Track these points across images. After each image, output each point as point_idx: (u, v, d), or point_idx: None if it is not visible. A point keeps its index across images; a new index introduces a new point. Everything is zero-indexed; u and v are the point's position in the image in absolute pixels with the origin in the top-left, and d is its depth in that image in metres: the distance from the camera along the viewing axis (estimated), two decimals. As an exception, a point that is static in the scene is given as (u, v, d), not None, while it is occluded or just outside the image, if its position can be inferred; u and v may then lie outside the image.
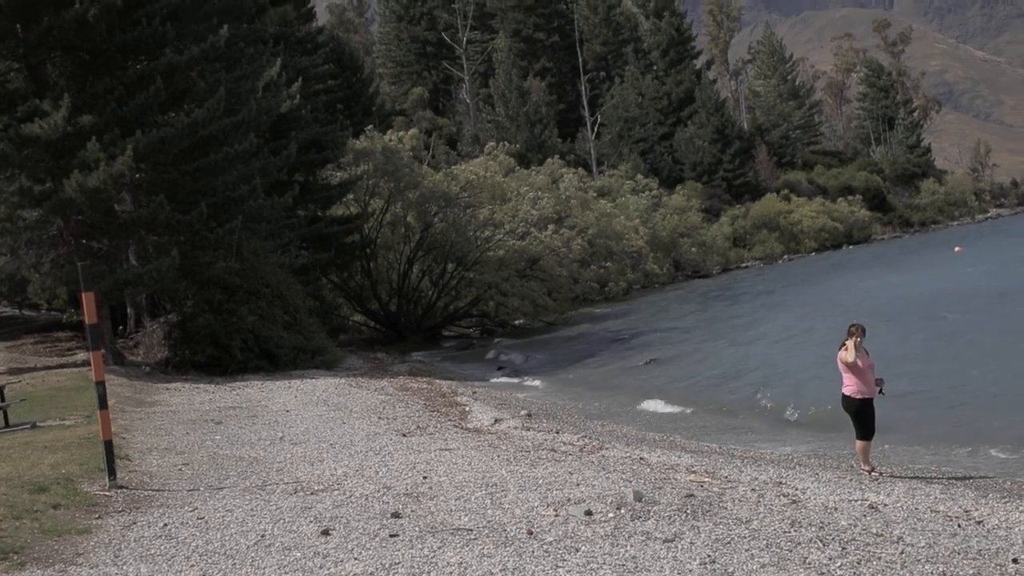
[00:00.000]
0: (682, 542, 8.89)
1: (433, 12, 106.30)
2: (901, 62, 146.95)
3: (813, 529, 9.43)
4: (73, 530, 9.87)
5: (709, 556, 8.41)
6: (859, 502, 11.10)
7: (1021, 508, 10.85)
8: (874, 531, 9.49)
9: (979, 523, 10.06)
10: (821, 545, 8.80)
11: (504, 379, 30.13)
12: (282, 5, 42.57)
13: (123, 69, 27.64)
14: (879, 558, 8.42)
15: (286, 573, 8.31)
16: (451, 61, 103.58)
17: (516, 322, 46.53)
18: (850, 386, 13.79)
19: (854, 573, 7.99)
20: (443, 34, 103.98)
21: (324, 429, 17.43)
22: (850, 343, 13.69)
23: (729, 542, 8.87)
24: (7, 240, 27.92)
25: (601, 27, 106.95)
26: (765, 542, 8.85)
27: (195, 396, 23.01)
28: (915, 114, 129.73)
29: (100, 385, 12.01)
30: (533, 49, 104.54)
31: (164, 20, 27.18)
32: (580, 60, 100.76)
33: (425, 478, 12.26)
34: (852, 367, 13.64)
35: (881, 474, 13.62)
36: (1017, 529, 9.74)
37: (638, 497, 10.60)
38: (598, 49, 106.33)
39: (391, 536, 9.30)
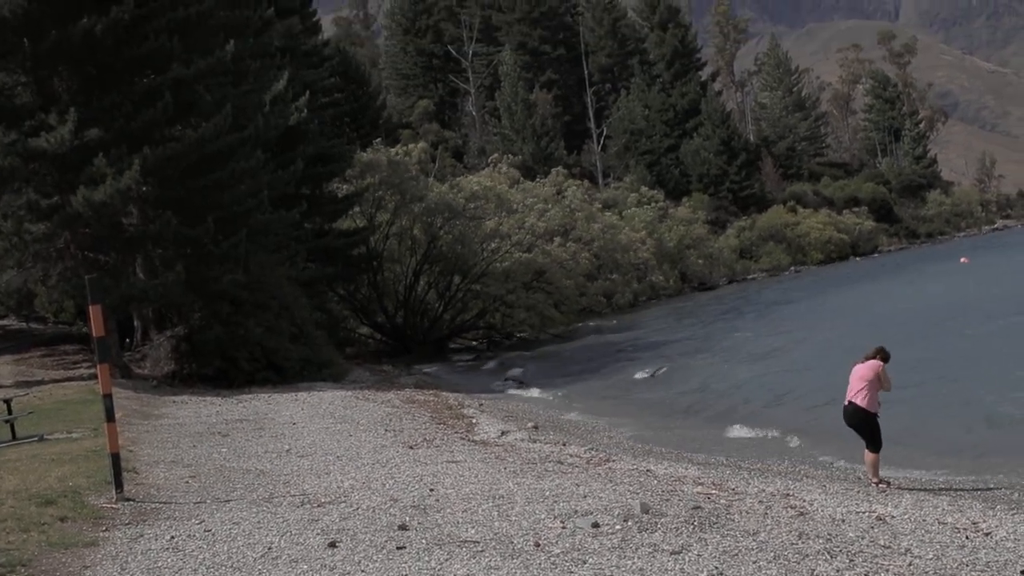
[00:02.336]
0: (689, 554, 8.87)
1: (439, 25, 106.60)
2: (907, 73, 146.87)
3: (820, 541, 9.42)
4: (80, 543, 9.87)
5: (716, 568, 8.40)
6: (867, 514, 11.07)
7: (1029, 520, 10.82)
8: (882, 543, 9.47)
9: (987, 535, 10.03)
10: (829, 557, 8.78)
11: (511, 391, 30.10)
12: (288, 18, 42.63)
13: (130, 84, 27.74)
14: (887, 570, 8.41)
15: (293, 586, 8.32)
16: (457, 74, 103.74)
17: (522, 334, 46.48)
18: (866, 399, 13.81)
19: (862, 585, 7.97)
20: (449, 47, 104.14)
21: (331, 441, 17.43)
22: (879, 365, 13.77)
23: (736, 554, 8.86)
24: (14, 254, 27.94)
25: (606, 39, 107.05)
26: (772, 554, 8.84)
27: (202, 409, 23.02)
28: (921, 125, 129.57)
29: (107, 398, 12.02)
30: (539, 62, 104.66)
31: (171, 35, 27.25)
32: (586, 72, 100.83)
33: (432, 490, 12.25)
34: (883, 388, 13.76)
35: (889, 485, 13.61)
36: (1025, 541, 9.71)
37: (645, 509, 10.58)
38: (603, 61, 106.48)
39: (398, 548, 9.30)
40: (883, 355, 14.12)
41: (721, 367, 30.60)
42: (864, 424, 13.95)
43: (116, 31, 26.66)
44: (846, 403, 14.14)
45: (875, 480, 13.72)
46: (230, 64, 28.77)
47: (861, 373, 14.01)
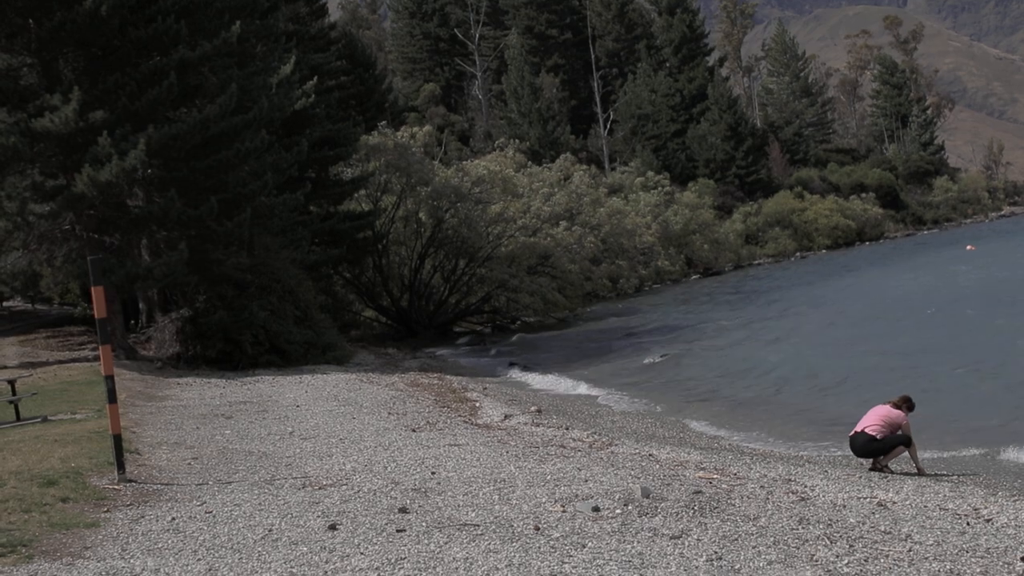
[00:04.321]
0: (689, 538, 8.87)
1: (445, 8, 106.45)
2: (914, 59, 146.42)
3: (821, 526, 9.41)
4: (81, 523, 9.89)
5: (716, 553, 8.40)
6: (868, 499, 11.06)
7: (1031, 506, 10.81)
8: (882, 529, 9.45)
9: (988, 521, 10.01)
10: (828, 542, 8.77)
11: (515, 375, 30.11)
12: (294, 1, 42.62)
13: (135, 65, 27.70)
14: (887, 556, 8.40)
15: (292, 567, 8.31)
16: (464, 57, 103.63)
17: (527, 318, 46.51)
18: (882, 431, 13.75)
19: (861, 571, 7.96)
20: (456, 30, 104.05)
21: (334, 424, 17.45)
22: (904, 419, 13.85)
23: (736, 539, 8.85)
24: (19, 235, 28.01)
25: (614, 23, 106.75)
26: (772, 539, 8.83)
27: (206, 391, 23.06)
28: (928, 112, 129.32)
29: (109, 379, 12.03)
30: (545, 45, 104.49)
31: (177, 16, 27.24)
32: (593, 56, 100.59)
33: (433, 473, 12.26)
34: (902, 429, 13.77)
35: (893, 472, 13.61)
36: (1026, 527, 9.70)
37: (646, 493, 10.58)
38: (611, 45, 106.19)
39: (398, 531, 9.30)
40: (909, 405, 14.05)
41: (725, 353, 30.59)
42: (880, 448, 13.86)
43: (121, 12, 26.68)
44: (857, 431, 14.01)
45: (883, 464, 13.73)
46: (235, 46, 28.75)
47: (882, 414, 13.92)
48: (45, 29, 26.63)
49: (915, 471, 13.76)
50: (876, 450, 13.88)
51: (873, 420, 13.93)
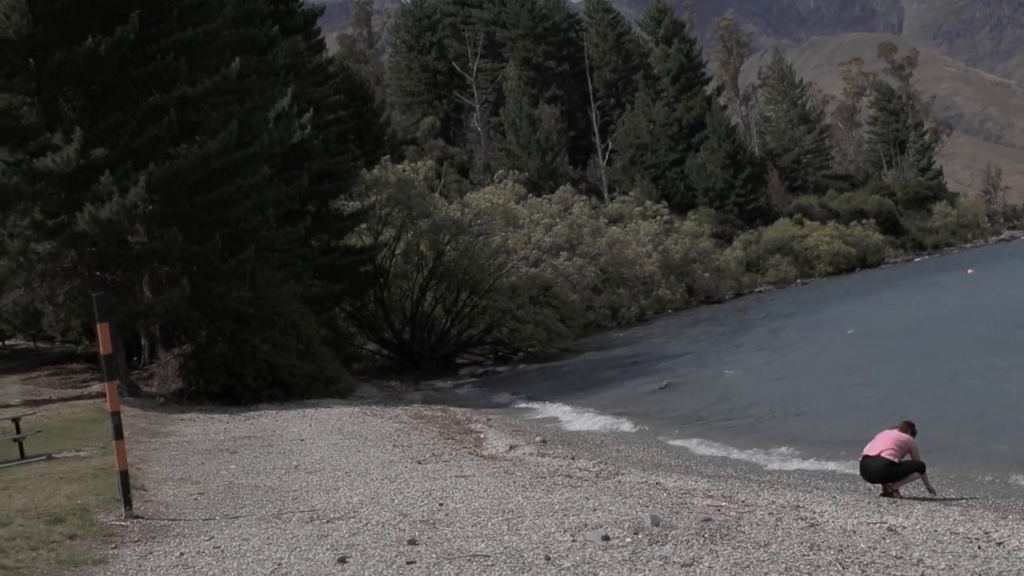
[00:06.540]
0: (700, 566, 8.82)
1: (443, 42, 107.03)
2: (910, 85, 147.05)
3: (832, 552, 9.36)
4: (89, 560, 9.84)
5: (728, 580, 8.36)
6: (878, 525, 11.02)
7: (1042, 529, 10.77)
8: (893, 554, 9.41)
9: (999, 544, 9.97)
10: (840, 568, 8.73)
11: (518, 406, 30.06)
12: (292, 37, 42.79)
13: (136, 102, 27.80)
14: (899, 580, 8.36)
15: (303, 601, 8.28)
16: (462, 90, 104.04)
17: (530, 349, 46.47)
18: (898, 456, 13.74)
19: (874, 596, 7.92)
20: (453, 63, 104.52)
21: (339, 457, 17.39)
22: (912, 441, 13.94)
23: (748, 566, 8.81)
24: (21, 273, 28.01)
25: (611, 54, 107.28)
26: (784, 565, 8.79)
27: (210, 426, 23.00)
28: (926, 137, 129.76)
29: (115, 415, 11.99)
30: (543, 77, 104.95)
31: (177, 54, 27.34)
32: (590, 87, 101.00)
33: (441, 505, 12.21)
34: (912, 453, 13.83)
35: (902, 497, 13.58)
36: (1038, 550, 9.66)
37: (655, 522, 10.53)
38: (608, 76, 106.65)
39: (408, 563, 9.25)
40: (913, 429, 14.11)
41: (727, 380, 30.53)
42: (898, 472, 13.82)
43: (121, 51, 26.77)
44: (871, 455, 13.92)
45: (894, 489, 13.71)
46: (236, 82, 28.84)
47: (893, 437, 13.92)
48: (45, 69, 26.75)
49: (925, 495, 13.73)
50: (894, 475, 13.83)
51: (887, 444, 13.88)
